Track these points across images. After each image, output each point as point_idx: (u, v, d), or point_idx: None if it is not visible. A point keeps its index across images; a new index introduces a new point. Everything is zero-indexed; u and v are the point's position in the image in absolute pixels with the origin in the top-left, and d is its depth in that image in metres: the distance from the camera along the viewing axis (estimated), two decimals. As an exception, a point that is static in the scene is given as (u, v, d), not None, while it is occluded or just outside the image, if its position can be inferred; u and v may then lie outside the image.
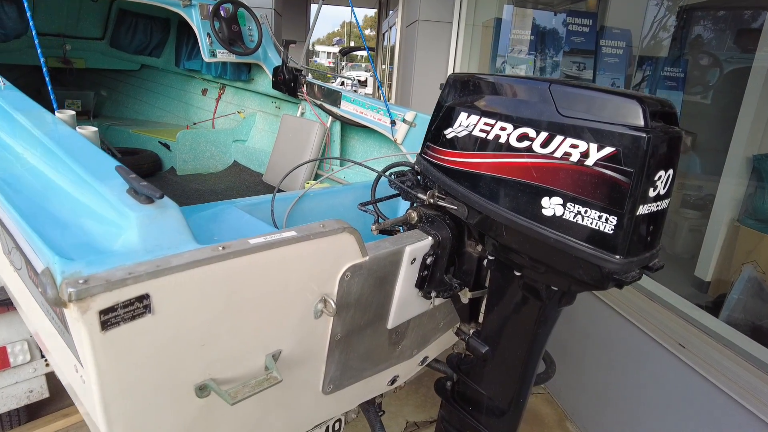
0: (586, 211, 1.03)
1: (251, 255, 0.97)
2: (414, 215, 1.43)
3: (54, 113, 1.55)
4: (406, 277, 1.39)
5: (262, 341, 1.10)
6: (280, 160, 3.42)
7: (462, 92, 1.28)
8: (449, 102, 1.31)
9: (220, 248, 0.92)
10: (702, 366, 1.92)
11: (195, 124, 4.58)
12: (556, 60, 4.45)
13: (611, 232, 1.01)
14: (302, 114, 3.58)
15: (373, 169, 1.62)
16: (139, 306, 0.83)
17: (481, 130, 1.18)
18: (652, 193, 1.01)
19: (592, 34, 4.35)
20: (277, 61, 3.70)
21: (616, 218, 1.00)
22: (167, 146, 4.00)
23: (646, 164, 0.97)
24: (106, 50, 4.55)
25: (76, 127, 1.38)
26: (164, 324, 0.88)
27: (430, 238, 1.39)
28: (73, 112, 1.53)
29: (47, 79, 1.73)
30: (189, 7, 3.46)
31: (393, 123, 2.82)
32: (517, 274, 1.25)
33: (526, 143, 1.10)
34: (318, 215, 1.85)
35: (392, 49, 7.45)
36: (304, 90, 3.41)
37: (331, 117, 3.28)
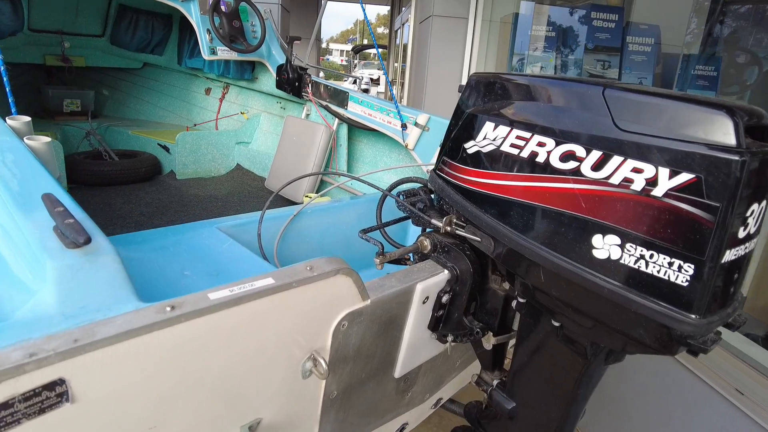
0: (651, 256, 0.79)
1: (211, 316, 0.74)
2: (427, 243, 1.20)
3: (7, 118, 1.34)
4: (417, 318, 1.16)
5: (235, 412, 0.88)
6: (283, 165, 3.20)
7: (487, 96, 1.04)
8: (471, 108, 1.07)
9: (168, 308, 0.70)
10: (764, 416, 1.65)
11: (195, 125, 4.38)
12: (578, 58, 4.17)
13: (686, 284, 0.76)
14: (307, 115, 3.35)
15: (377, 188, 1.38)
16: (50, 395, 0.60)
17: (513, 145, 0.94)
18: (741, 233, 0.77)
19: (617, 30, 4.07)
20: (281, 59, 3.48)
21: (693, 266, 0.76)
22: (166, 149, 3.80)
23: (738, 196, 0.73)
24: (107, 48, 4.37)
25: (25, 138, 1.17)
26: (91, 413, 0.65)
27: (446, 271, 1.16)
28: (28, 119, 1.32)
29: (5, 79, 1.52)
30: (188, 2, 3.25)
31: (404, 126, 2.58)
32: (555, 324, 1.01)
33: (572, 164, 0.85)
34: (315, 236, 1.62)
35: (404, 46, 7.20)
36: (309, 90, 3.19)
37: (337, 119, 3.05)
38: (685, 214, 0.75)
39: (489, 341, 1.21)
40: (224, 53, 3.32)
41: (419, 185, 1.32)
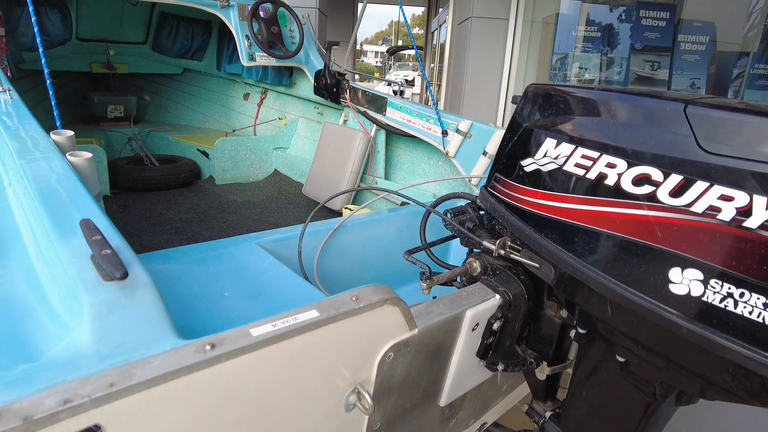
0: (742, 295, 0.69)
1: (253, 354, 0.69)
2: (476, 265, 1.12)
3: (51, 133, 1.34)
4: (465, 346, 1.09)
5: (275, 449, 0.83)
6: (321, 172, 3.18)
7: (546, 110, 0.96)
8: (529, 122, 0.99)
9: (208, 347, 0.65)
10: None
11: (234, 131, 4.42)
12: (625, 58, 3.98)
13: (786, 328, 0.67)
14: (345, 122, 3.32)
15: (421, 204, 1.32)
16: (87, 442, 0.57)
17: (578, 165, 0.86)
18: None
19: (668, 28, 3.86)
20: (319, 65, 3.46)
21: (795, 309, 0.66)
22: (206, 154, 3.85)
23: None
24: (149, 54, 4.47)
25: (68, 154, 1.17)
26: (128, 458, 0.61)
27: (497, 296, 1.08)
28: (71, 133, 1.32)
29: (51, 92, 1.54)
30: (227, 8, 3.27)
31: (445, 133, 2.51)
32: (620, 359, 0.92)
33: (647, 189, 0.77)
34: (356, 250, 1.57)
35: (442, 47, 7.10)
36: (347, 96, 3.15)
37: (375, 125, 3.00)
38: (785, 249, 0.66)
39: (543, 371, 1.13)
40: (263, 59, 3.32)
41: (467, 201, 1.25)
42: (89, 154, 1.19)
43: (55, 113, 1.54)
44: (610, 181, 0.81)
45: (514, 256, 1.01)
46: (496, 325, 1.10)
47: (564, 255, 0.88)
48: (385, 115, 2.88)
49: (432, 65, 8.69)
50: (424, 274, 1.07)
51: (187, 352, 0.65)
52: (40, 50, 1.53)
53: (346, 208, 1.72)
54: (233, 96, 4.65)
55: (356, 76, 3.36)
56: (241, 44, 3.28)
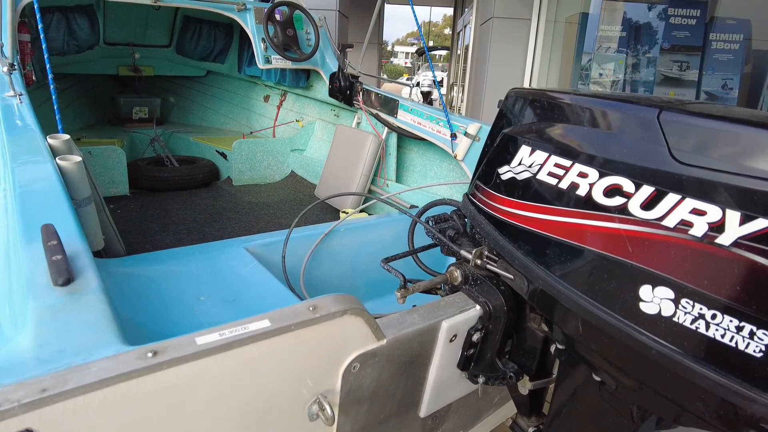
0: (714, 316, 0.64)
1: (197, 362, 0.68)
2: (457, 274, 1.09)
3: (48, 137, 1.37)
4: (444, 357, 1.06)
5: (232, 458, 0.82)
6: (332, 174, 3.18)
7: (524, 116, 0.92)
8: (508, 128, 0.95)
9: (149, 354, 0.65)
10: None
11: (252, 132, 4.48)
12: (652, 58, 3.83)
13: (760, 355, 0.62)
14: (358, 124, 3.31)
15: (406, 212, 1.29)
16: (16, 448, 0.57)
17: (551, 174, 0.82)
18: (841, 299, 0.61)
19: (699, 27, 3.70)
20: (335, 67, 3.47)
21: (770, 335, 0.61)
22: (224, 155, 3.91)
23: (834, 251, 0.57)
24: (173, 57, 4.57)
25: (57, 158, 1.19)
26: (63, 465, 0.61)
27: (477, 307, 1.05)
28: (67, 137, 1.35)
29: (54, 97, 1.58)
30: (243, 12, 3.31)
31: (453, 136, 2.47)
32: (597, 378, 0.87)
33: (618, 200, 0.72)
34: (348, 255, 1.55)
35: (466, 48, 7.02)
36: (360, 98, 3.14)
37: (386, 128, 2.98)
38: (760, 270, 0.61)
39: (525, 386, 1.08)
40: (278, 62, 3.35)
41: (454, 208, 1.21)
42: (79, 158, 1.21)
43: (57, 117, 1.57)
44: (581, 192, 0.76)
45: (491, 267, 0.97)
46: (476, 337, 1.06)
47: (536, 268, 0.84)
48: (396, 117, 2.86)
49: (457, 66, 8.61)
50: (400, 283, 1.05)
51: (128, 359, 0.64)
52: (46, 56, 1.58)
53: (343, 212, 1.71)
54: (254, 98, 4.71)
55: (382, 77, 3.34)
56: (257, 47, 3.31)
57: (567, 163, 0.78)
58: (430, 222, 1.13)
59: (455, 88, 8.20)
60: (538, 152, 0.84)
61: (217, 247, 1.34)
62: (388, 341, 0.92)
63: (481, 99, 4.85)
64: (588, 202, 0.75)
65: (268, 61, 3.33)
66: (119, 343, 0.70)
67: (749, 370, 0.63)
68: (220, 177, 3.95)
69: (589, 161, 0.75)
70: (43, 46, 1.56)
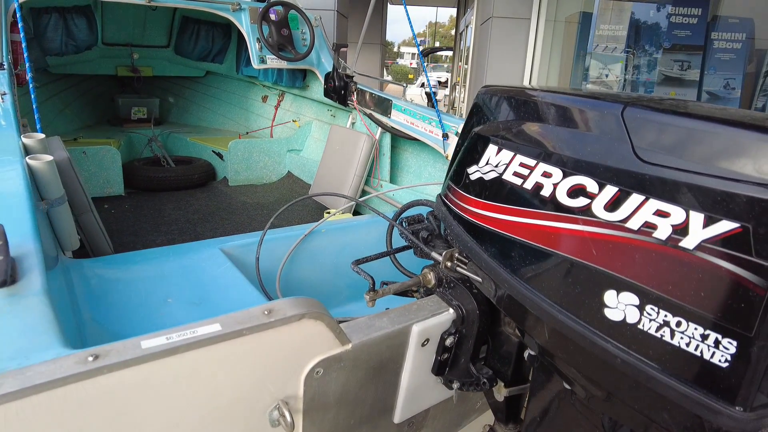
0: (678, 324, 0.61)
1: (142, 366, 0.66)
2: (431, 277, 1.06)
3: (22, 136, 1.35)
4: (416, 362, 1.03)
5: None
6: (327, 174, 3.16)
7: (494, 113, 0.89)
8: (478, 127, 0.92)
9: (90, 358, 0.62)
10: None
11: (248, 133, 4.46)
12: (652, 57, 3.78)
13: (726, 365, 0.58)
14: (353, 124, 3.29)
15: (381, 215, 1.26)
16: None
17: (516, 174, 0.78)
18: (808, 306, 0.57)
19: (700, 26, 3.64)
20: (331, 67, 3.44)
21: (736, 344, 0.57)
22: (220, 156, 3.90)
23: (802, 255, 0.54)
24: (172, 57, 4.57)
25: (27, 157, 1.17)
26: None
27: (451, 310, 1.02)
28: (42, 137, 1.33)
29: (33, 96, 1.56)
30: (238, 12, 3.29)
31: (445, 136, 2.44)
32: (567, 387, 0.84)
33: (582, 201, 0.69)
34: (328, 257, 1.53)
35: (468, 49, 6.98)
36: (354, 98, 3.11)
37: (380, 128, 2.96)
38: (725, 275, 0.57)
39: (500, 392, 1.05)
40: (273, 62, 3.33)
41: (431, 209, 1.18)
42: (50, 158, 1.20)
43: (36, 116, 1.56)
44: (545, 192, 0.73)
45: (460, 269, 0.94)
46: (449, 341, 1.03)
47: (502, 271, 0.81)
48: (389, 117, 2.83)
49: (459, 65, 8.57)
50: (369, 286, 1.02)
51: (66, 363, 0.62)
52: (25, 54, 1.56)
53: (327, 212, 1.68)
54: (252, 98, 4.70)
55: (386, 76, 3.32)
56: (252, 47, 3.30)
57: (531, 162, 0.75)
58: (403, 223, 1.10)
59: (457, 88, 8.17)
60: (504, 151, 0.81)
61: (193, 248, 1.32)
62: (354, 346, 0.90)
63: (480, 99, 4.81)
64: (552, 203, 0.72)
65: (263, 61, 3.31)
66: (60, 346, 0.67)
67: (715, 380, 0.59)
68: (216, 177, 3.94)
69: (553, 160, 0.72)
70: (23, 45, 1.55)
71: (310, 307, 0.80)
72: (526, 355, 0.95)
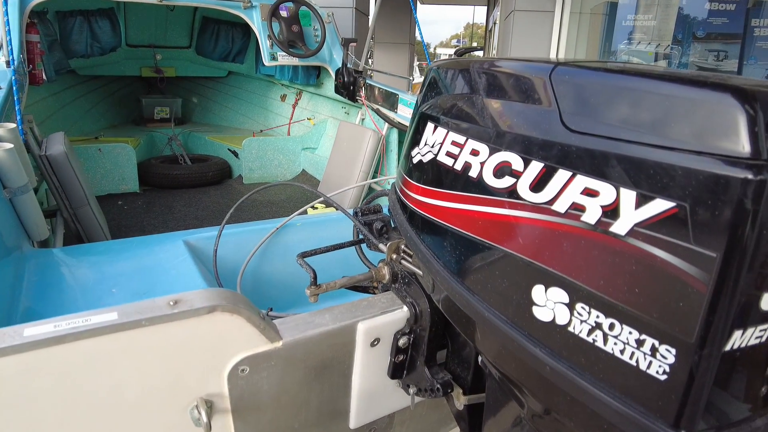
0: (611, 326, 0.51)
1: (26, 355, 0.61)
2: (385, 271, 0.98)
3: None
4: (367, 364, 0.95)
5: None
6: (334, 172, 3.10)
7: (434, 90, 0.80)
8: (425, 106, 0.84)
9: None
10: None
11: (262, 131, 4.47)
12: (685, 48, 3.53)
13: (664, 377, 0.48)
14: (362, 120, 3.22)
15: (340, 208, 1.19)
16: None
17: (448, 154, 0.69)
18: (764, 306, 0.46)
19: (739, 12, 3.38)
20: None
21: (674, 351, 0.47)
22: (236, 154, 3.91)
23: (753, 242, 0.43)
24: (194, 58, 4.64)
25: (-4, 144, 1.16)
26: None
27: (404, 308, 0.93)
28: (13, 126, 1.32)
29: (14, 87, 1.57)
30: (249, 9, 3.29)
31: (450, 130, 2.33)
32: (516, 399, 0.74)
33: (507, 181, 0.59)
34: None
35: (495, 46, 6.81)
36: (362, 94, 3.05)
37: (387, 123, 2.88)
38: (660, 266, 0.47)
39: (459, 399, 0.95)
40: (284, 59, 3.31)
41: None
42: (9, 146, 1.18)
43: (16, 107, 1.56)
44: (473, 173, 0.64)
45: (404, 263, 0.85)
46: (402, 342, 0.94)
47: (435, 263, 0.71)
48: (396, 112, 2.75)
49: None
50: (311, 280, 0.94)
51: None
52: (12, 49, 1.57)
53: (312, 207, 1.62)
54: (271, 97, 4.71)
55: (416, 73, 3.25)
56: (264, 44, 3.28)
57: (461, 139, 0.66)
58: (358, 213, 1.02)
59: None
60: (439, 129, 0.72)
61: (157, 240, 1.28)
62: (286, 344, 0.82)
63: (504, 96, 4.66)
64: (478, 185, 0.63)
65: (273, 58, 3.30)
66: None
67: (653, 396, 0.49)
68: (232, 175, 3.96)
69: (480, 136, 0.63)
70: (15, 42, 1.56)
71: (224, 300, 0.73)
72: (479, 360, 0.85)
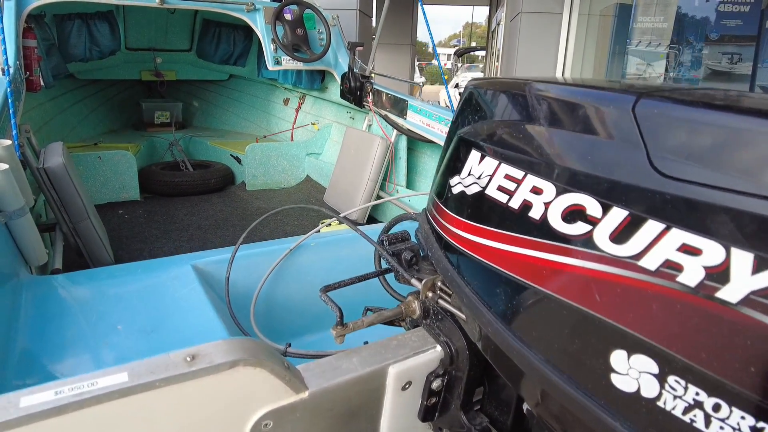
0: (717, 408, 0.43)
1: (25, 428, 0.53)
2: (415, 306, 0.90)
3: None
4: (397, 408, 0.87)
5: None
6: (341, 179, 3.02)
7: (479, 112, 0.72)
8: (463, 129, 0.76)
9: None
10: None
11: (266, 136, 4.38)
12: (697, 51, 3.46)
13: (788, 475, 0.40)
14: (369, 126, 3.14)
15: (366, 236, 1.11)
16: None
17: (501, 189, 0.61)
18: None
19: (754, 14, 3.30)
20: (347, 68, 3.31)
21: (804, 445, 0.39)
22: (238, 160, 3.83)
23: None
24: (195, 61, 4.55)
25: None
26: None
27: (438, 348, 0.86)
28: (8, 143, 1.24)
29: (10, 100, 1.49)
30: (253, 12, 3.20)
31: (463, 139, 2.25)
32: (571, 459, 0.66)
33: (580, 228, 0.51)
34: (317, 275, 1.38)
35: (499, 48, 6.74)
36: (370, 99, 2.97)
37: (395, 130, 2.80)
38: (785, 343, 0.39)
39: (498, 447, 0.87)
40: (289, 63, 3.23)
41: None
42: (4, 167, 1.10)
43: (12, 121, 1.48)
44: (535, 213, 0.56)
45: (443, 303, 0.77)
46: (436, 384, 0.86)
47: (485, 311, 0.64)
48: (405, 119, 2.67)
49: (494, 65, 8.31)
50: (336, 319, 0.86)
51: None
52: (5, 54, 1.49)
53: (322, 222, 1.54)
54: (274, 101, 4.63)
55: (422, 78, 3.17)
56: (267, 48, 3.20)
57: (518, 174, 0.58)
58: (384, 242, 0.94)
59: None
60: (487, 159, 0.64)
61: (163, 265, 1.20)
62: (312, 393, 0.75)
63: (510, 99, 4.58)
64: (543, 228, 0.55)
65: (277, 62, 3.21)
66: None
67: (770, 493, 0.41)
68: (234, 181, 3.88)
69: (545, 172, 0.55)
70: (10, 48, 1.48)
71: (246, 353, 0.65)
72: (524, 407, 0.78)
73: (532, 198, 0.56)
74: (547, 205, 0.54)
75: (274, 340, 1.35)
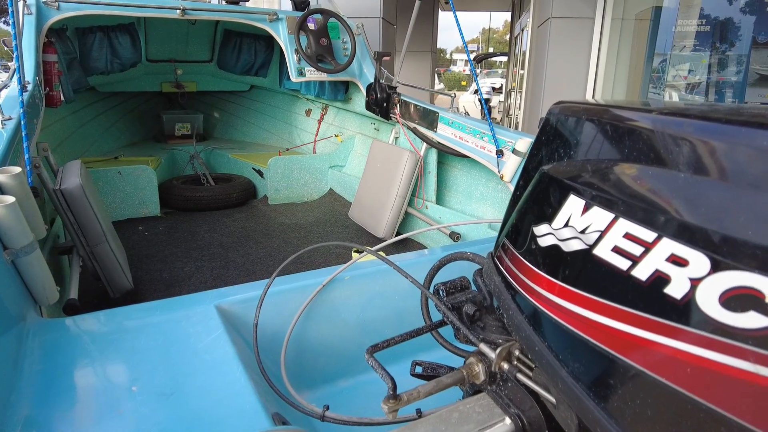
0: None
1: None
2: (478, 370, 0.76)
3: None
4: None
5: None
6: (367, 195, 2.90)
7: (575, 145, 0.59)
8: (549, 164, 0.62)
9: None
10: None
11: (288, 149, 4.29)
12: (742, 54, 3.25)
13: None
14: (396, 139, 3.01)
15: (413, 280, 0.98)
16: None
17: (619, 251, 0.48)
18: None
19: (803, 16, 3.09)
20: (373, 78, 3.20)
21: None
22: (260, 173, 3.74)
23: None
24: (215, 72, 4.50)
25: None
26: None
27: (507, 420, 0.72)
28: (18, 170, 1.15)
29: (23, 122, 1.39)
30: (275, 22, 3.11)
31: (500, 153, 2.12)
32: None
33: (753, 319, 0.37)
34: (352, 311, 1.25)
35: (524, 53, 6.58)
36: (397, 111, 2.85)
37: (425, 143, 2.67)
38: None
39: None
40: (312, 74, 3.13)
41: (478, 266, 0.88)
42: (11, 199, 1.00)
43: (24, 145, 1.39)
44: (676, 291, 0.42)
45: (523, 379, 0.63)
46: (506, 463, 0.72)
47: (589, 401, 0.50)
48: (436, 131, 2.54)
49: (515, 71, 8.14)
50: (389, 389, 0.73)
51: None
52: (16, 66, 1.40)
53: (354, 251, 1.42)
54: (296, 112, 4.54)
55: (440, 84, 3.04)
56: (290, 59, 3.11)
57: (649, 236, 0.44)
58: (441, 292, 0.81)
59: (513, 94, 7.74)
60: (596, 210, 0.50)
61: (186, 304, 1.09)
62: None
63: (538, 108, 4.42)
64: (689, 314, 0.41)
65: (301, 73, 3.12)
66: None
67: None
68: (257, 195, 3.79)
69: (690, 237, 0.41)
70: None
71: None
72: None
73: (670, 270, 0.42)
74: (695, 283, 0.41)
75: (307, 389, 1.22)
